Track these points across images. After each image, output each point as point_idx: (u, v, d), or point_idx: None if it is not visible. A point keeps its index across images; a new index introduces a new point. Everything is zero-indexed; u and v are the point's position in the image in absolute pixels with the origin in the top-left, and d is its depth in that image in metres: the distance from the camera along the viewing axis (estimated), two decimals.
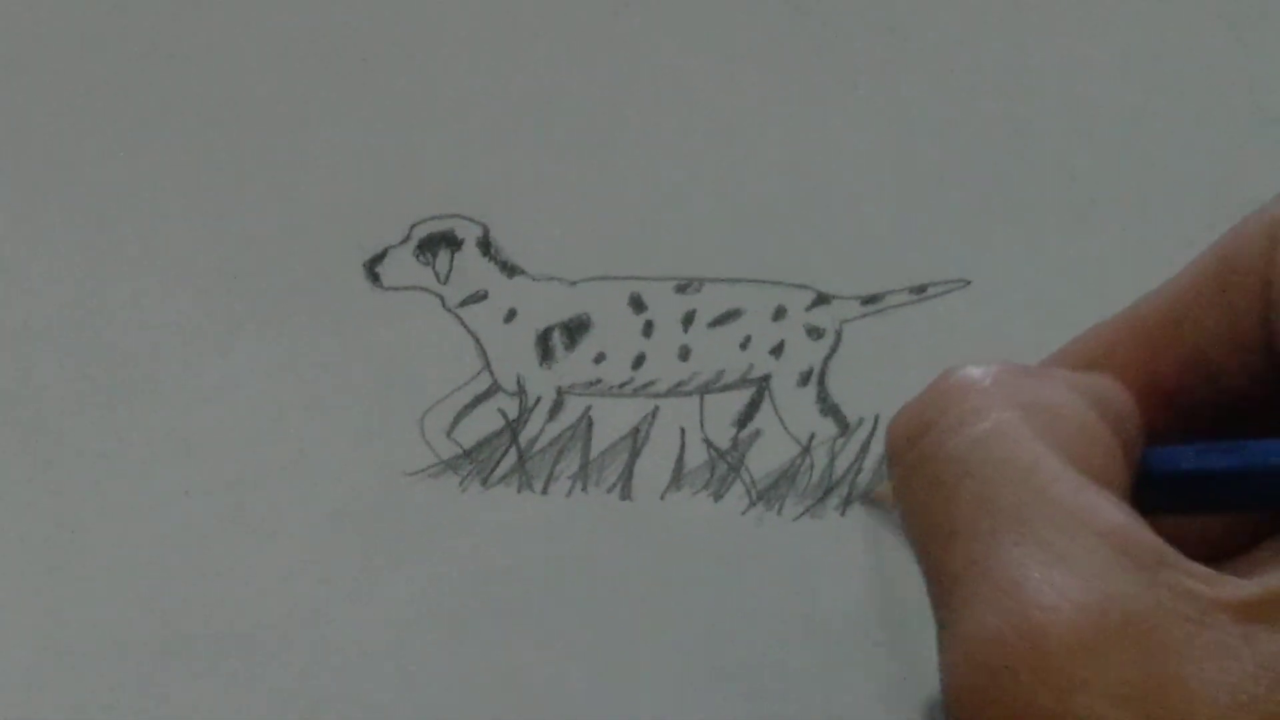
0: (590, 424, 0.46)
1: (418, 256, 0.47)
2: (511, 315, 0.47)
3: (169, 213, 0.48)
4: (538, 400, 0.46)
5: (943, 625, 0.26)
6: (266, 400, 0.45)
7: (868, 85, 0.51)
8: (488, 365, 0.46)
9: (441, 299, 0.47)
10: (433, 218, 0.48)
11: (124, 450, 0.44)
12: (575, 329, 0.47)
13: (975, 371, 0.28)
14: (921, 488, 0.28)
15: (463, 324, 0.47)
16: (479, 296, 0.47)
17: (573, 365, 0.46)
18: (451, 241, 0.48)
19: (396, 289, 0.47)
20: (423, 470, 0.45)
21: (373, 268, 0.47)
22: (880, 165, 0.49)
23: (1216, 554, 0.29)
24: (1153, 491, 0.29)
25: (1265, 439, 0.29)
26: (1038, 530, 0.25)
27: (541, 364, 0.46)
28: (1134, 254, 0.48)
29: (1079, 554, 0.25)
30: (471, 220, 0.48)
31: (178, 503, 0.44)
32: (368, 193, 0.48)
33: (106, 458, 0.44)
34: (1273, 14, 0.53)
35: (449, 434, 0.46)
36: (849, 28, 0.52)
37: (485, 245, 0.48)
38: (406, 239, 0.48)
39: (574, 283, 0.47)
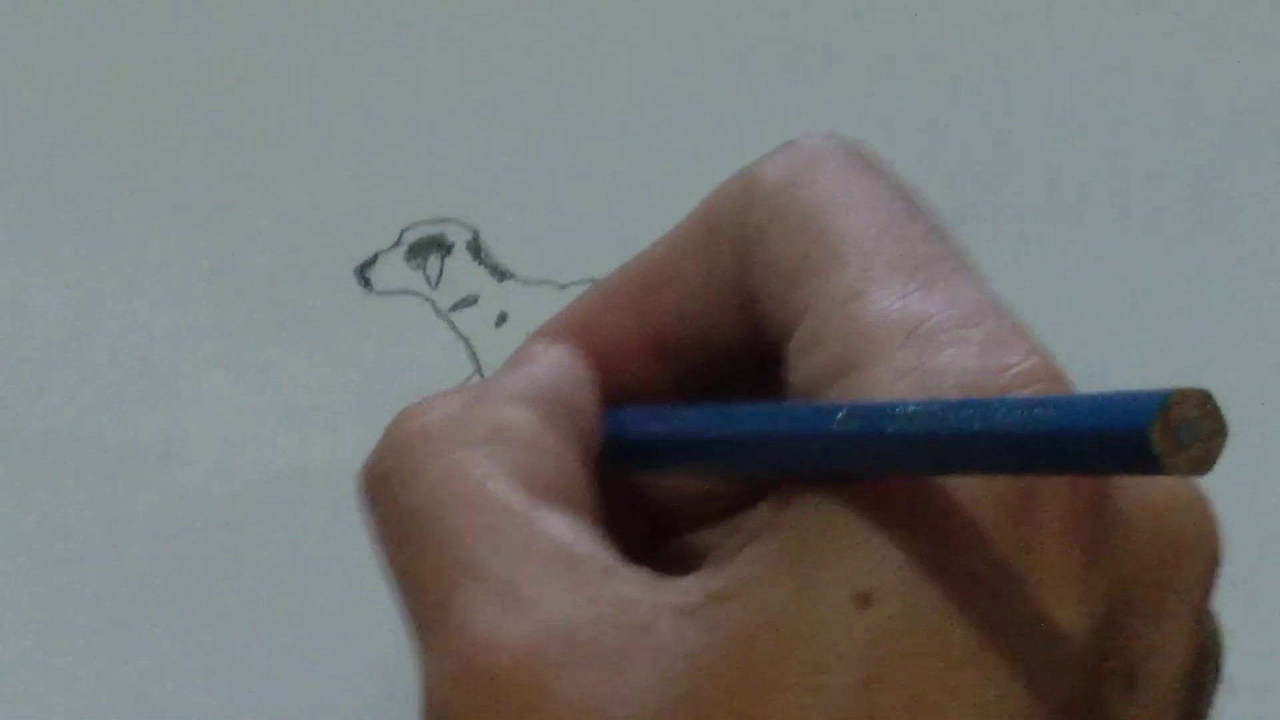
0: None
1: (408, 261, 0.47)
2: (503, 319, 0.47)
3: (159, 218, 0.48)
4: None
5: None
6: (257, 405, 0.45)
7: (849, 94, 0.52)
8: (479, 369, 0.46)
9: (432, 303, 0.47)
10: (423, 222, 0.48)
11: (116, 458, 0.44)
12: None
13: (427, 411, 0.27)
14: (390, 544, 0.27)
15: (454, 328, 0.47)
16: (470, 301, 0.47)
17: None
18: (442, 246, 0.48)
19: (387, 293, 0.47)
20: None
21: (363, 272, 0.47)
22: None
23: (731, 508, 0.29)
24: (624, 453, 0.29)
25: (713, 404, 0.28)
26: (489, 570, 0.25)
27: None
28: (1116, 258, 0.49)
29: (525, 584, 0.25)
30: (462, 224, 0.48)
31: (169, 509, 0.44)
32: (358, 197, 0.48)
33: (98, 466, 0.44)
34: (1250, 17, 0.53)
35: None
36: (830, 38, 0.53)
37: (476, 249, 0.48)
38: (397, 243, 0.48)
39: (564, 286, 0.47)
